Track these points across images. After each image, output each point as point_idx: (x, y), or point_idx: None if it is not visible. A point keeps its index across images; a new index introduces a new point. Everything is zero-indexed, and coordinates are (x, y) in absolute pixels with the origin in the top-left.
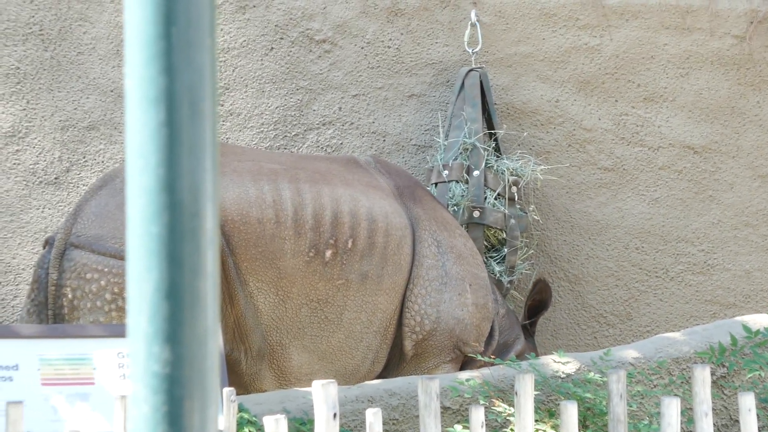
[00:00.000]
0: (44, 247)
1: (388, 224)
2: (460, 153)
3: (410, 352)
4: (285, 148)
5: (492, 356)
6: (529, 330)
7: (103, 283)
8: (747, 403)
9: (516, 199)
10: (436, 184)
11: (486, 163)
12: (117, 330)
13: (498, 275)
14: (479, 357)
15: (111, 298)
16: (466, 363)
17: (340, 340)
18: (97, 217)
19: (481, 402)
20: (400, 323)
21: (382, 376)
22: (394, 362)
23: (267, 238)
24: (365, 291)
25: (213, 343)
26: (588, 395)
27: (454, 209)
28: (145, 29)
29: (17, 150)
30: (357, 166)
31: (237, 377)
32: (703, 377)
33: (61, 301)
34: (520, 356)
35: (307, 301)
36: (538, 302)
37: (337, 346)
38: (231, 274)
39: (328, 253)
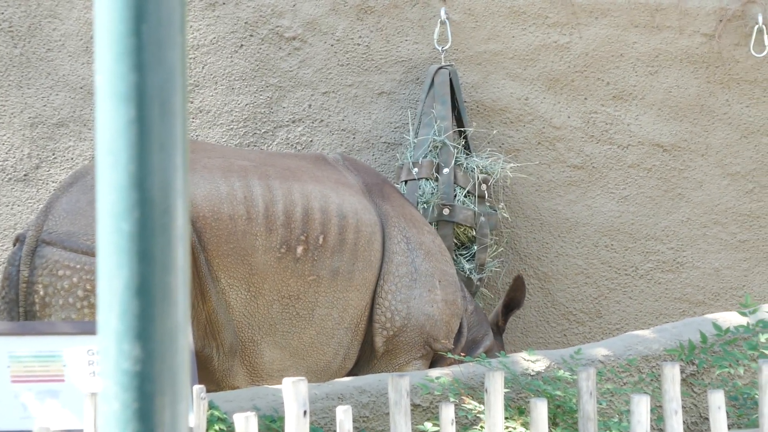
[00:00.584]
0: (14, 245)
1: (359, 221)
2: (430, 151)
3: (381, 349)
4: (255, 145)
5: (462, 353)
6: (498, 327)
7: (75, 280)
8: (717, 400)
9: (486, 196)
10: (406, 181)
11: (456, 161)
12: (87, 327)
13: (468, 273)
14: (449, 355)
15: (83, 295)
16: (435, 360)
17: (311, 337)
18: (69, 213)
19: (452, 399)
20: (371, 320)
21: (353, 372)
22: (365, 359)
23: (238, 235)
24: (336, 287)
25: (183, 339)
26: (558, 393)
27: (424, 207)
28: (115, 26)
29: None
30: (326, 164)
31: (209, 374)
32: (672, 375)
33: (32, 298)
34: (489, 353)
35: (278, 298)
36: (511, 300)
37: (308, 342)
38: (203, 271)
39: (300, 250)
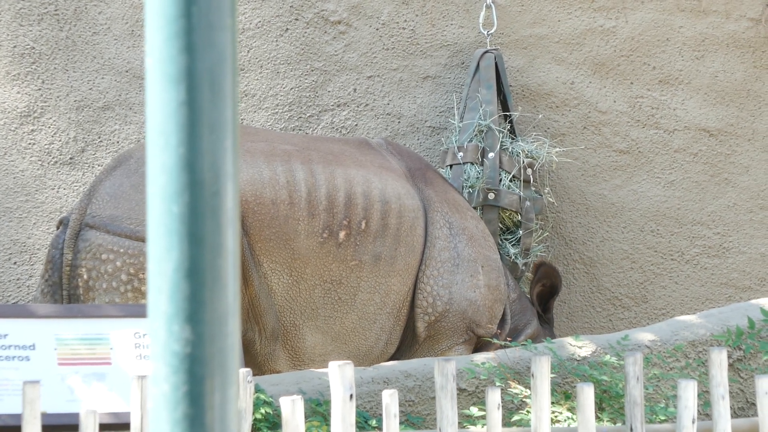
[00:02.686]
0: (58, 228)
1: (401, 206)
2: (475, 135)
3: (423, 334)
4: (300, 130)
5: (508, 339)
6: (543, 316)
7: (118, 263)
8: (764, 385)
9: (531, 181)
10: (451, 166)
11: (501, 145)
12: (134, 310)
13: (513, 257)
14: (495, 340)
15: (126, 279)
16: (481, 347)
17: (353, 321)
18: (112, 197)
19: (497, 384)
20: (413, 305)
21: (394, 357)
22: (407, 344)
23: (281, 219)
24: (378, 272)
25: (233, 322)
26: (604, 378)
27: (469, 191)
28: (165, 8)
29: (32, 130)
30: (369, 148)
31: (251, 358)
32: (719, 360)
33: (75, 282)
34: (533, 341)
35: (320, 282)
36: (548, 288)
37: (350, 327)
38: (245, 255)
39: (342, 234)
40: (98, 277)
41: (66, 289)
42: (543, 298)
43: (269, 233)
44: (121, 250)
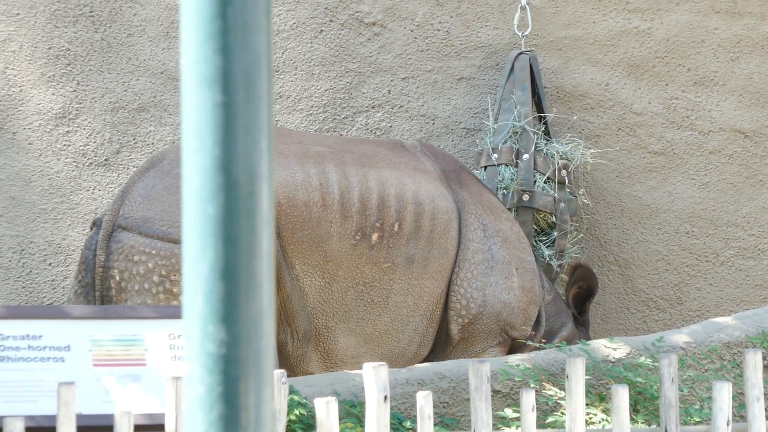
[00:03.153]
0: (91, 229)
1: (435, 208)
2: (510, 136)
3: (456, 336)
4: (334, 131)
5: (543, 341)
6: (579, 318)
7: (150, 265)
8: None
9: (566, 182)
10: (485, 167)
11: (535, 147)
12: (168, 311)
13: (547, 259)
14: (529, 342)
15: (159, 281)
16: (515, 349)
17: (386, 323)
18: (145, 199)
19: (532, 385)
20: (446, 307)
21: (428, 360)
22: (441, 346)
23: (313, 221)
24: (411, 274)
25: (268, 323)
26: (639, 379)
27: (504, 193)
28: (201, 9)
29: (67, 131)
30: (403, 150)
31: (283, 359)
32: (754, 361)
33: (108, 283)
34: (568, 343)
35: (353, 284)
36: (584, 290)
37: (383, 329)
38: (278, 257)
39: (374, 237)
40: (130, 278)
41: (99, 290)
42: (579, 300)
43: (302, 235)
44: (153, 252)
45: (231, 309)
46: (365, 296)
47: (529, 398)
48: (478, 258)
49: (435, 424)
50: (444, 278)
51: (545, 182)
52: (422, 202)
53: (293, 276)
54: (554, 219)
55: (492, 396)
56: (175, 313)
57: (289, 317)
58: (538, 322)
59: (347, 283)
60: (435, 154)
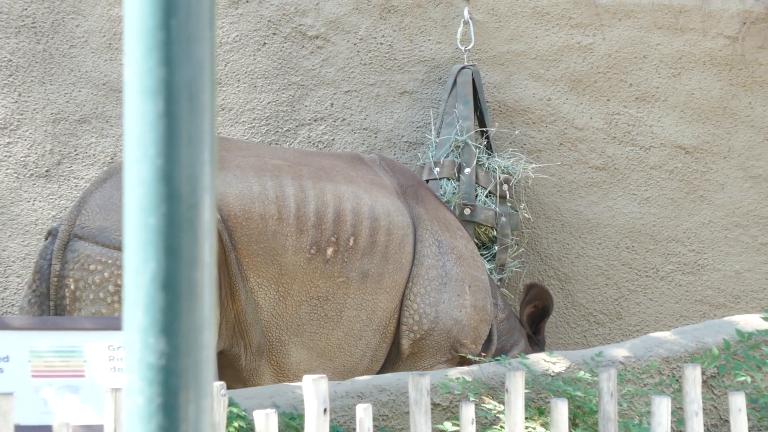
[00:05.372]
0: (47, 238)
1: (390, 223)
2: (452, 150)
3: (407, 351)
4: (276, 143)
5: (484, 355)
6: (533, 338)
7: (106, 274)
8: (737, 403)
9: (507, 197)
10: (427, 180)
11: (477, 161)
12: (108, 323)
13: (488, 273)
14: (470, 356)
15: (114, 290)
16: (461, 365)
17: (339, 338)
18: (102, 209)
19: (471, 399)
20: (398, 322)
21: (379, 374)
22: (390, 360)
23: (269, 234)
24: (366, 289)
25: (209, 334)
26: (578, 393)
27: None
28: (144, 20)
29: (8, 142)
30: (361, 164)
31: (236, 373)
32: (693, 376)
33: (63, 292)
34: None
35: (307, 298)
36: (540, 309)
37: (336, 343)
38: (233, 269)
39: (330, 251)
40: (85, 287)
41: (53, 299)
42: (534, 319)
43: (257, 248)
44: (109, 261)
45: (171, 320)
46: (319, 310)
47: (468, 411)
48: (432, 274)
49: None
50: (398, 293)
51: (487, 196)
52: (378, 217)
53: (248, 289)
54: (495, 233)
55: (432, 409)
56: (114, 324)
57: (243, 330)
58: (489, 340)
59: (301, 296)
60: (393, 169)
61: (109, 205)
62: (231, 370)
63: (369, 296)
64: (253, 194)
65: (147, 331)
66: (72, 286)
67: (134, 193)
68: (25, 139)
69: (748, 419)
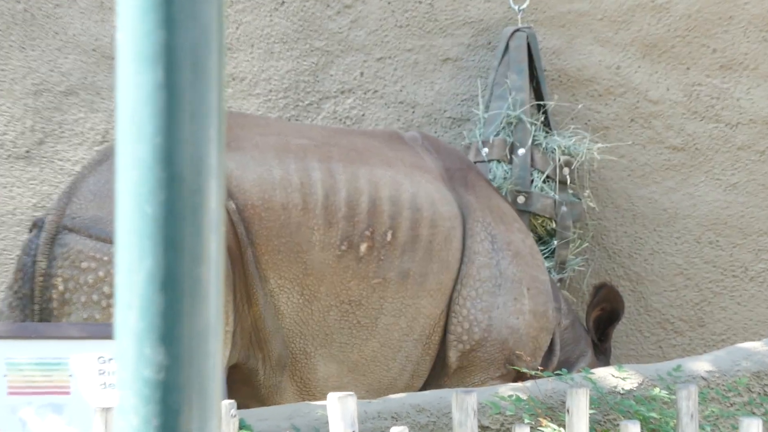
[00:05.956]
0: (31, 231)
1: (435, 213)
2: (503, 128)
3: (454, 365)
4: (297, 120)
5: (542, 369)
6: (598, 346)
7: (101, 273)
8: None
9: (568, 182)
10: (474, 163)
11: (533, 140)
12: (98, 330)
13: (548, 273)
14: (524, 369)
15: (110, 292)
16: (517, 381)
17: (374, 349)
18: (96, 196)
19: (526, 421)
20: (445, 331)
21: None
22: (434, 376)
23: (292, 228)
24: (406, 292)
25: (215, 343)
26: (653, 414)
27: None
28: None
29: None
30: (400, 143)
31: (253, 390)
32: None
33: (49, 294)
34: None
35: (336, 303)
36: (608, 312)
37: (370, 356)
38: (250, 269)
39: (363, 247)
40: (76, 288)
41: (38, 302)
42: (600, 324)
43: (278, 244)
44: (105, 258)
45: (172, 326)
46: (351, 317)
47: None
48: (485, 274)
49: None
50: (444, 297)
51: (544, 182)
52: (421, 206)
53: (267, 291)
54: (554, 225)
55: None
56: (106, 332)
57: (261, 340)
58: (550, 350)
59: (330, 301)
60: (438, 149)
61: (105, 191)
62: (247, 387)
63: (410, 300)
64: (274, 180)
65: (142, 340)
66: (60, 287)
67: (128, 178)
68: (2, 115)
69: None
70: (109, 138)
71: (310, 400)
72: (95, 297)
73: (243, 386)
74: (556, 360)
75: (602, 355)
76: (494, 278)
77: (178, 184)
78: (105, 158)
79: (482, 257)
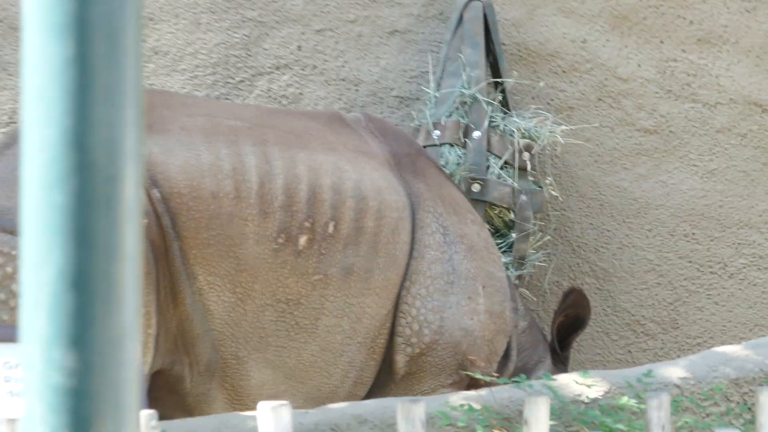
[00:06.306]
0: None
1: (381, 203)
2: (456, 108)
3: (402, 371)
4: (226, 98)
5: (497, 375)
6: (559, 354)
7: (9, 269)
8: None
9: (528, 169)
10: (424, 147)
11: (490, 122)
12: (4, 333)
13: (504, 270)
14: (482, 377)
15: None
16: (470, 389)
17: (314, 354)
18: (2, 183)
19: None
20: (392, 333)
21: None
22: (379, 384)
23: (223, 219)
24: (349, 290)
25: (132, 347)
26: (620, 426)
27: None
28: None
29: None
30: (342, 126)
31: (179, 399)
32: None
33: None
34: None
35: (272, 302)
36: (571, 318)
37: (309, 361)
38: (176, 265)
39: (303, 240)
40: None
41: None
42: (561, 331)
43: (208, 236)
44: (13, 252)
45: (83, 328)
46: (288, 317)
47: None
48: (436, 270)
49: None
50: (391, 296)
51: (501, 168)
52: (366, 195)
53: (195, 290)
54: (513, 216)
55: None
56: (9, 334)
57: (188, 344)
58: (506, 356)
59: (265, 300)
60: (384, 132)
61: (12, 179)
62: (172, 396)
63: (353, 299)
64: (202, 165)
65: (51, 343)
66: None
67: (35, 163)
68: None
69: None
70: (16, 119)
71: (241, 409)
72: (2, 296)
73: (168, 395)
74: (513, 366)
75: (560, 364)
76: (446, 275)
77: (91, 171)
78: (12, 142)
79: (433, 251)
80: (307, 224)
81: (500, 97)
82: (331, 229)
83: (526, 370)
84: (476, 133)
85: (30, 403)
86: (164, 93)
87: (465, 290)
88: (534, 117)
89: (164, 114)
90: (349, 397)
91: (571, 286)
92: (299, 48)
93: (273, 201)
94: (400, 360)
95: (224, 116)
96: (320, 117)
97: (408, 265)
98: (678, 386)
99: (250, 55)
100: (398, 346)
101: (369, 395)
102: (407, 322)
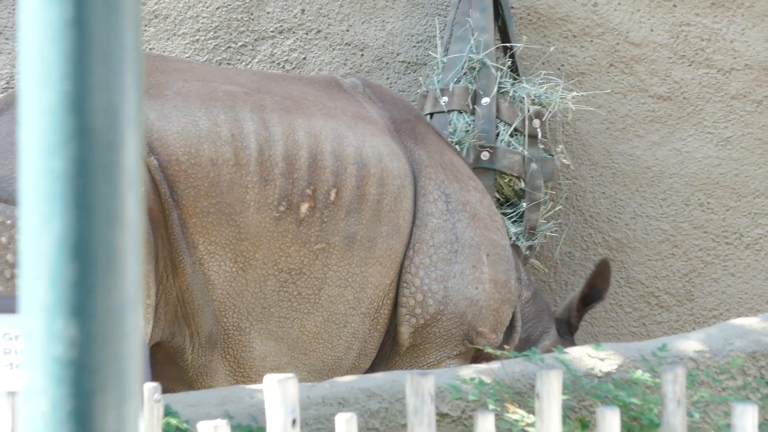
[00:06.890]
0: None
1: (383, 170)
2: (465, 74)
3: (406, 342)
4: (228, 63)
5: (507, 348)
6: (569, 324)
7: (3, 239)
8: None
9: (539, 136)
10: (431, 114)
11: (499, 88)
12: (3, 304)
13: (514, 239)
14: (489, 349)
15: (14, 260)
16: (476, 360)
17: (317, 325)
18: None
19: (491, 407)
20: (395, 303)
21: (370, 373)
22: (384, 356)
23: (223, 186)
24: (352, 259)
25: (134, 318)
26: (634, 400)
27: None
28: None
29: None
30: (340, 91)
31: (179, 371)
32: None
33: None
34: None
35: (274, 272)
36: (591, 290)
37: (312, 332)
38: (175, 234)
39: (304, 208)
40: None
41: None
42: (581, 302)
43: (208, 205)
44: (8, 222)
45: (85, 299)
46: (291, 287)
47: (486, 424)
48: (439, 239)
49: None
50: (394, 265)
51: (511, 135)
52: (367, 162)
53: (195, 259)
54: (523, 185)
55: (438, 421)
56: (8, 305)
57: (189, 315)
58: (511, 326)
59: (267, 269)
60: (383, 98)
61: (7, 145)
62: (173, 368)
63: (356, 269)
64: (200, 132)
65: (52, 313)
66: None
67: (33, 129)
68: None
69: None
70: (13, 84)
71: (244, 382)
72: None
73: (168, 367)
74: (518, 337)
75: (568, 335)
76: (450, 243)
77: (90, 136)
78: (8, 107)
79: (436, 219)
80: (308, 191)
81: (509, 63)
82: (332, 196)
83: (530, 341)
84: (485, 100)
85: (31, 375)
86: (158, 57)
87: (469, 259)
88: (544, 83)
89: (159, 79)
90: (353, 368)
91: (605, 257)
92: (303, 11)
93: (273, 168)
94: (405, 331)
95: (220, 81)
96: (317, 82)
97: (411, 233)
98: (693, 360)
99: (252, 19)
100: (402, 317)
101: (373, 367)
102: (411, 293)
